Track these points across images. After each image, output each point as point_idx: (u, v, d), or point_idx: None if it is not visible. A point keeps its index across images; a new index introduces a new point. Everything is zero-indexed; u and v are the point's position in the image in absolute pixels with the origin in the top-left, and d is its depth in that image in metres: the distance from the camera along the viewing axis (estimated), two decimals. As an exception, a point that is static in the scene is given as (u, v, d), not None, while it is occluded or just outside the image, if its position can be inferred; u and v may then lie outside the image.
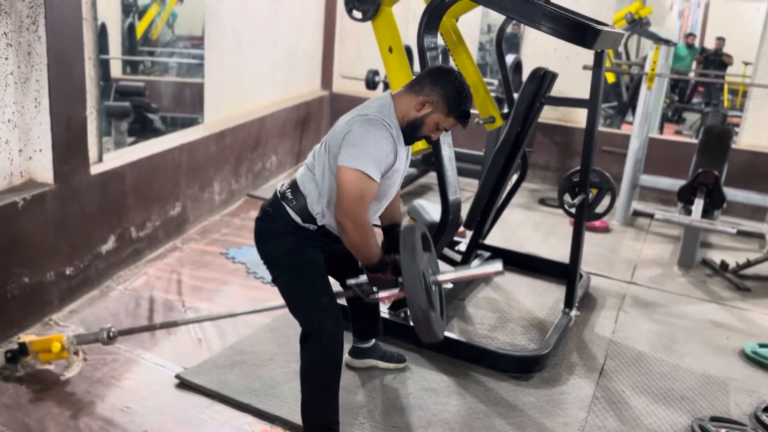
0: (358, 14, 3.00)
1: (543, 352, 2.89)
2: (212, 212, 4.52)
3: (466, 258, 3.62)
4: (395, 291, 2.14)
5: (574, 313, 3.34)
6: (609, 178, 3.58)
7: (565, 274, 3.44)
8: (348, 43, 6.69)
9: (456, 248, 3.88)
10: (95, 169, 3.20)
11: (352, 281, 2.19)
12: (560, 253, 4.09)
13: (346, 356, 2.77)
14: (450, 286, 3.33)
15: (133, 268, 3.57)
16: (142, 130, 5.25)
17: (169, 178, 3.92)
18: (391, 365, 2.79)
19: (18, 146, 2.80)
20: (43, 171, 2.87)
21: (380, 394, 2.63)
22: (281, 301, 2.26)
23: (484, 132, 5.24)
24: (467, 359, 2.89)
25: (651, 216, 5.23)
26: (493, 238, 4.05)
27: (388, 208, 2.36)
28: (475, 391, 2.69)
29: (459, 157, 5.85)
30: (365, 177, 1.98)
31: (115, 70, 7.04)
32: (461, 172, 5.77)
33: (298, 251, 2.17)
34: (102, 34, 6.66)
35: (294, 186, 2.19)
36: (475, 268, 2.19)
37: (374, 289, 2.16)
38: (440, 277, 2.16)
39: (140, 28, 7.67)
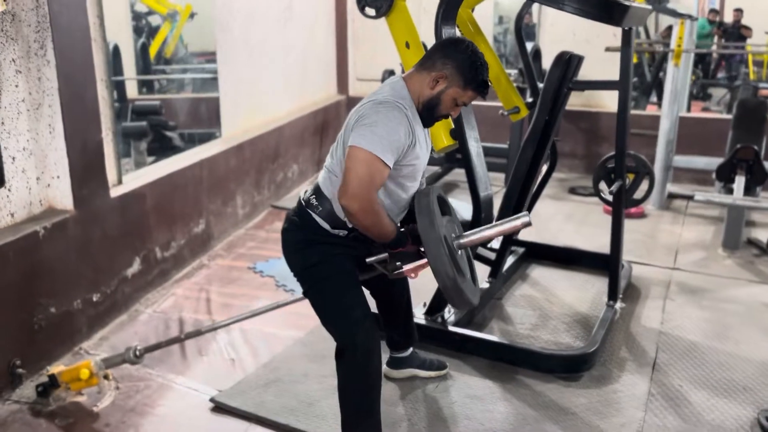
0: (371, 11, 2.89)
1: (591, 349, 2.75)
2: (236, 226, 4.45)
3: (501, 255, 3.48)
4: (420, 262, 2.00)
5: (618, 305, 3.19)
6: (646, 161, 3.42)
7: (604, 265, 3.30)
8: (361, 46, 6.59)
9: (488, 246, 3.74)
10: (115, 192, 3.14)
11: (371, 259, 2.01)
12: (595, 242, 3.94)
13: (384, 367, 2.66)
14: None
15: (161, 289, 3.50)
16: (162, 148, 5.21)
17: (190, 195, 3.86)
18: (432, 373, 2.67)
19: (35, 174, 2.74)
20: (63, 197, 2.81)
21: (423, 404, 2.51)
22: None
23: (508, 124, 5.12)
24: (511, 362, 2.76)
25: (688, 198, 5.04)
26: (527, 233, 3.88)
27: None
28: (522, 395, 2.56)
29: (483, 151, 5.75)
30: (376, 159, 1.84)
31: (131, 90, 7.04)
32: (492, 168, 5.68)
33: (329, 261, 2.05)
34: (115, 55, 6.66)
35: (317, 191, 2.07)
36: (501, 224, 2.01)
37: (397, 263, 2.01)
38: (464, 240, 2.02)
39: (153, 47, 7.67)
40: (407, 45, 2.86)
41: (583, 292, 3.50)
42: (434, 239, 1.84)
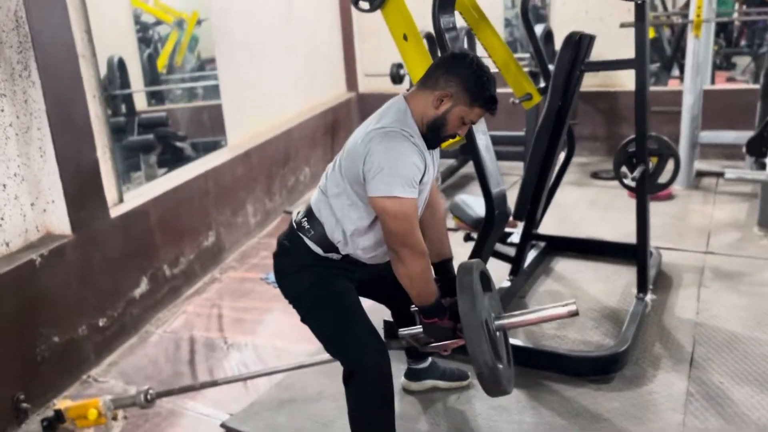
0: (365, 4, 2.73)
1: (622, 348, 2.57)
2: (249, 236, 4.34)
3: (520, 251, 3.31)
4: (457, 342, 1.90)
5: (649, 297, 3.01)
6: (669, 143, 3.21)
7: (632, 254, 3.11)
8: (368, 40, 6.43)
9: (508, 240, 3.57)
10: (115, 211, 3.04)
11: (404, 331, 1.95)
12: (622, 230, 3.73)
13: (402, 380, 2.53)
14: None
15: (171, 307, 3.40)
16: (173, 159, 5.12)
17: (197, 208, 3.75)
18: (453, 384, 2.52)
19: (29, 200, 2.64)
20: (59, 222, 2.72)
21: (445, 419, 2.36)
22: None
23: (522, 112, 4.92)
24: (537, 366, 2.59)
25: (718, 175, 4.79)
26: (548, 224, 3.71)
27: (434, 239, 2.10)
28: (550, 403, 2.40)
29: (498, 140, 5.52)
30: (403, 200, 1.73)
31: (140, 102, 6.98)
32: (502, 156, 5.47)
33: (323, 283, 1.93)
34: (121, 68, 6.60)
35: (309, 213, 1.94)
36: (546, 310, 1.92)
37: (431, 337, 1.92)
38: (504, 321, 1.90)
39: (162, 58, 7.60)
40: (405, 37, 2.70)
41: (610, 284, 3.31)
42: (476, 325, 1.73)
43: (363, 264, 1.98)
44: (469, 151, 2.68)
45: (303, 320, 1.99)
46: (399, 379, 2.51)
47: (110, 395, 2.38)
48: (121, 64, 6.52)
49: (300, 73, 5.39)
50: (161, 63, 7.74)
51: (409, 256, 1.77)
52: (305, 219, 1.95)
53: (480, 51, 3.59)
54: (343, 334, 1.90)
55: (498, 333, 1.89)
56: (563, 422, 2.29)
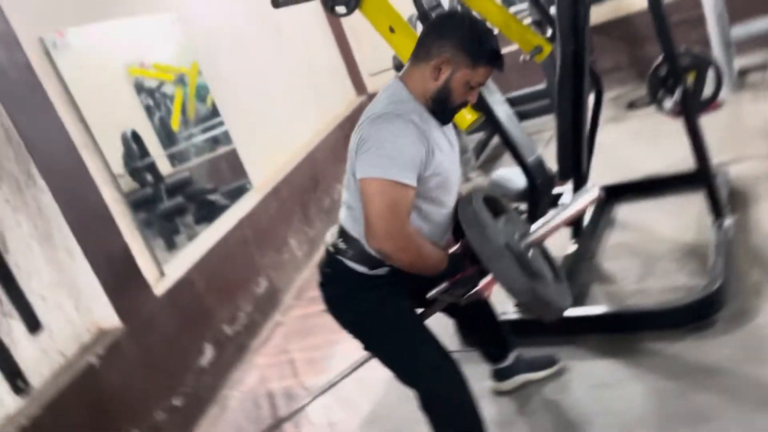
0: (341, 9, 2.58)
1: (715, 285, 2.34)
2: (299, 270, 4.24)
3: (577, 210, 3.09)
4: (488, 279, 1.70)
5: (728, 220, 2.75)
6: (701, 54, 2.95)
7: (696, 181, 2.85)
8: (363, 40, 6.26)
9: (560, 202, 3.36)
10: (160, 288, 2.98)
11: (432, 293, 1.74)
12: (676, 156, 3.45)
13: (489, 383, 2.36)
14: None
15: (242, 365, 3.33)
16: (208, 213, 5.10)
17: (241, 259, 3.68)
18: (545, 373, 2.34)
19: (72, 304, 2.60)
20: (107, 316, 2.66)
21: (545, 413, 2.19)
22: None
23: (538, 67, 4.67)
24: (627, 330, 2.39)
25: (764, 68, 4.43)
26: (597, 173, 3.45)
27: None
28: (653, 367, 2.19)
29: (520, 100, 5.30)
30: (392, 184, 1.55)
31: (164, 166, 7.01)
32: (529, 114, 5.25)
33: (378, 306, 1.77)
34: (136, 140, 6.63)
35: (342, 232, 1.79)
36: (570, 207, 1.67)
37: (462, 289, 1.73)
38: (531, 238, 1.69)
39: (174, 117, 7.63)
40: (391, 29, 2.53)
41: (682, 219, 3.05)
42: (493, 254, 1.55)
43: (416, 275, 1.80)
44: (493, 127, 2.50)
45: (366, 349, 1.85)
46: (486, 382, 2.35)
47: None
48: (135, 136, 6.53)
49: (306, 94, 5.28)
50: (175, 122, 7.76)
51: (397, 251, 1.58)
52: (340, 240, 1.80)
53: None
54: (412, 362, 1.75)
55: (530, 251, 1.69)
56: (673, 385, 2.08)
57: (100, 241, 2.68)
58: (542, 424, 2.14)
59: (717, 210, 2.79)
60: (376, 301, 1.77)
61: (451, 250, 1.73)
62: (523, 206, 3.14)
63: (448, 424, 1.75)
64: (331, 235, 1.85)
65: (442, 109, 1.71)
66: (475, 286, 1.69)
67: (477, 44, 1.63)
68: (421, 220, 1.71)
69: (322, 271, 1.86)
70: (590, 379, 2.25)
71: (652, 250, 2.89)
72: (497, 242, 1.56)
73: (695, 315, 2.31)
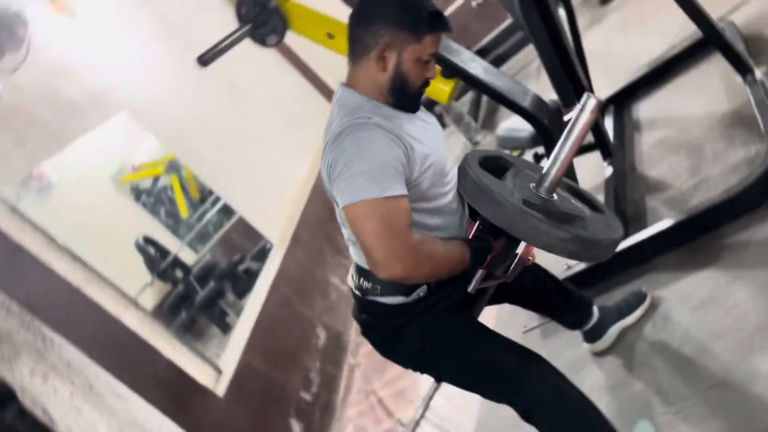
0: (272, 39, 2.39)
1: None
2: (351, 304, 4.06)
3: (596, 131, 2.83)
4: (522, 245, 1.52)
5: (758, 73, 2.46)
6: None
7: (707, 46, 2.58)
8: (319, 55, 6.07)
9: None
10: (221, 387, 2.83)
11: (472, 286, 1.53)
12: (674, 30, 3.16)
13: (585, 346, 2.13)
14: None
15: (335, 423, 3.17)
16: (249, 282, 4.98)
17: (290, 319, 3.53)
18: (638, 313, 2.09)
19: (140, 442, 2.47)
20: (179, 439, 2.52)
21: (656, 356, 1.94)
22: None
23: (495, 6, 4.42)
24: (704, 233, 2.13)
25: None
26: (600, 85, 3.18)
27: None
28: (749, 263, 1.93)
29: (493, 44, 5.04)
30: (376, 202, 1.35)
31: (188, 255, 6.94)
32: (509, 54, 4.98)
33: (434, 332, 1.56)
34: (151, 244, 6.55)
35: (361, 271, 1.59)
36: (572, 129, 1.40)
37: (501, 267, 1.54)
38: (547, 182, 1.44)
39: (180, 205, 7.56)
40: (330, 36, 2.33)
41: (708, 91, 2.76)
42: (513, 218, 1.35)
43: (454, 279, 1.59)
44: (474, 87, 2.28)
45: (439, 381, 1.65)
46: (577, 350, 2.13)
47: None
48: (148, 240, 6.48)
49: (285, 130, 5.11)
50: (182, 209, 7.69)
51: (409, 270, 1.37)
52: (362, 279, 1.60)
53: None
54: (492, 376, 1.53)
55: (554, 195, 1.47)
56: (782, 272, 1.82)
57: (140, 370, 2.55)
58: (659, 371, 1.90)
59: (741, 67, 2.51)
60: (427, 328, 1.56)
61: (470, 235, 1.53)
62: (541, 150, 2.92)
63: (558, 426, 1.52)
64: (352, 280, 1.65)
65: (404, 98, 1.50)
66: (512, 257, 1.51)
67: (412, 14, 1.42)
68: (432, 218, 1.52)
69: (358, 319, 1.66)
70: (688, 301, 2.00)
71: (692, 137, 2.61)
72: (512, 202, 1.35)
73: (769, 187, 2.04)
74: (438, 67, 2.22)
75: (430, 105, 4.51)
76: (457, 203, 1.60)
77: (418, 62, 1.46)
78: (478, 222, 1.54)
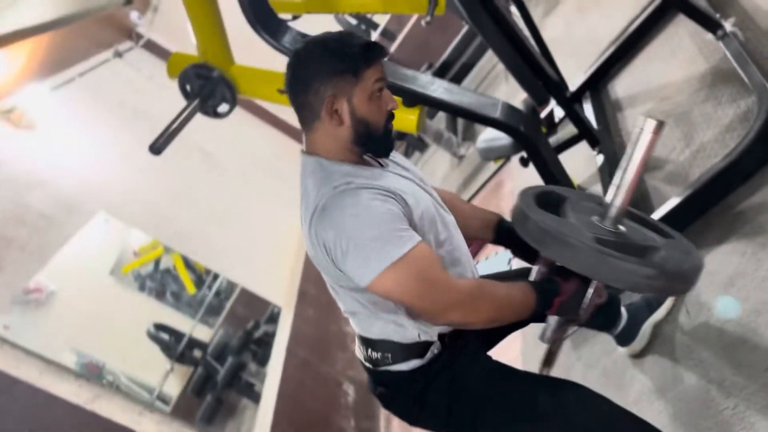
0: (223, 107, 2.30)
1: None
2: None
3: (576, 120, 2.72)
4: (594, 288, 1.38)
5: (728, 25, 2.35)
6: None
7: (667, 10, 2.48)
8: (287, 107, 6.04)
9: (556, 121, 2.99)
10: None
11: (547, 335, 1.44)
12: (633, 7, 3.08)
13: (620, 351, 1.99)
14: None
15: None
16: (264, 351, 4.85)
17: (313, 382, 3.39)
18: (668, 304, 1.94)
19: None
20: None
21: (697, 345, 1.79)
22: None
23: (450, 19, 4.36)
24: (714, 205, 2.00)
25: None
26: (570, 73, 3.08)
27: (466, 216, 1.61)
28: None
29: (454, 56, 4.96)
30: (401, 263, 1.24)
31: (203, 333, 6.81)
32: (471, 63, 4.91)
33: (457, 390, 1.43)
34: (164, 330, 6.43)
35: (367, 342, 1.46)
36: (633, 156, 1.31)
37: (574, 312, 1.40)
38: (614, 211, 1.35)
39: (188, 284, 7.46)
40: (282, 91, 2.23)
41: (681, 54, 2.65)
42: (592, 261, 1.23)
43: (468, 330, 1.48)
44: (439, 108, 2.18)
45: None
46: (613, 355, 1.98)
47: None
48: (159, 327, 6.36)
49: (269, 187, 5.02)
50: (189, 286, 7.58)
51: (465, 314, 1.29)
52: (370, 350, 1.47)
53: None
54: (529, 421, 1.38)
55: (620, 226, 1.37)
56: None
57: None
58: (706, 362, 1.75)
59: (708, 23, 2.40)
60: (450, 387, 1.43)
61: (531, 278, 1.42)
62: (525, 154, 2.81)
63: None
64: (360, 353, 1.53)
65: (373, 142, 1.38)
66: (584, 302, 1.38)
67: (343, 57, 1.31)
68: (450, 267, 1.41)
69: (376, 393, 1.53)
70: (717, 280, 1.85)
71: (677, 105, 2.49)
72: (586, 243, 1.24)
73: (772, 141, 1.91)
74: (399, 99, 2.13)
75: (402, 136, 4.44)
76: (464, 245, 1.48)
77: (372, 99, 1.35)
78: (540, 264, 1.43)
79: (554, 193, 1.50)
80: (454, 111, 2.06)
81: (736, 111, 2.17)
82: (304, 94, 1.34)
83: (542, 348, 2.32)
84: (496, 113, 2.03)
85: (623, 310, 1.93)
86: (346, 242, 1.26)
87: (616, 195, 1.35)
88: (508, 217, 1.53)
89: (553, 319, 1.43)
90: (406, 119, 2.12)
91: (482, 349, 1.52)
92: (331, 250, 1.28)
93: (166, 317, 6.53)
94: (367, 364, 1.49)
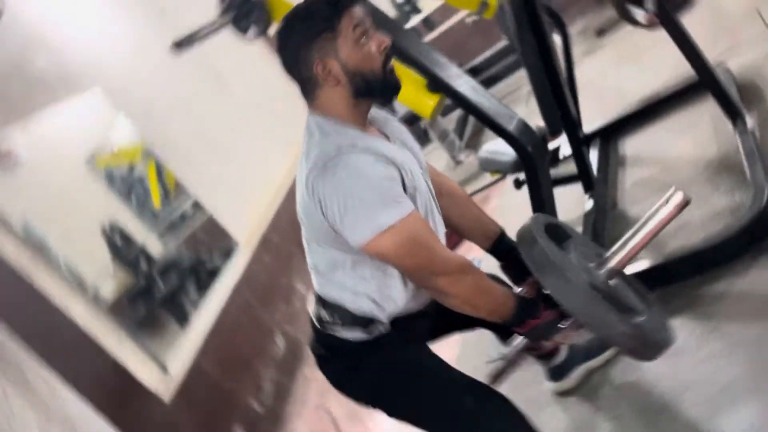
0: (254, 30, 2.28)
1: (765, 197, 2.00)
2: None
3: (580, 162, 2.77)
4: (573, 331, 1.41)
5: (749, 121, 2.41)
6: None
7: (700, 89, 2.53)
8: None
9: (561, 157, 3.03)
10: (166, 390, 2.69)
11: (502, 352, 1.50)
12: (668, 68, 3.12)
13: (547, 385, 2.05)
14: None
15: (284, 435, 3.04)
16: (208, 279, 4.82)
17: (249, 325, 3.40)
18: (605, 354, 2.00)
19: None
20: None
21: (621, 401, 1.86)
22: None
23: (491, 26, 4.36)
24: (680, 280, 2.06)
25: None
26: (589, 115, 3.13)
27: (470, 224, 1.67)
28: (725, 315, 1.86)
29: (486, 64, 5.00)
30: (396, 228, 1.27)
31: (155, 248, 6.75)
32: (500, 76, 4.94)
33: (391, 370, 1.47)
34: (117, 232, 6.36)
35: (322, 302, 1.49)
36: (650, 222, 1.39)
37: (540, 339, 1.45)
38: (613, 264, 1.40)
39: (154, 195, 7.37)
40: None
41: (697, 134, 2.71)
42: (582, 302, 1.28)
43: (420, 313, 1.52)
44: (458, 104, 2.19)
45: (402, 419, 1.54)
46: (541, 387, 2.04)
47: None
48: (114, 228, 6.29)
49: (268, 130, 4.99)
50: (156, 199, 7.51)
51: (449, 283, 1.33)
52: (322, 310, 1.50)
53: None
54: (447, 418, 1.43)
55: (612, 281, 1.41)
56: (754, 331, 1.75)
57: (81, 367, 2.41)
58: (623, 419, 1.82)
59: (732, 112, 2.46)
60: (385, 366, 1.47)
61: (517, 291, 1.45)
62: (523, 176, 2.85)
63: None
64: (313, 311, 1.55)
65: (376, 88, 1.38)
66: (556, 333, 1.41)
67: (315, 18, 1.32)
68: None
69: (315, 352, 1.57)
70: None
71: (677, 179, 2.55)
72: (581, 285, 1.28)
73: (752, 239, 1.97)
74: (422, 80, 2.15)
75: (415, 120, 4.45)
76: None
77: (358, 46, 1.34)
78: (528, 284, 1.47)
79: (562, 229, 1.54)
80: (473, 111, 2.08)
81: (729, 201, 2.23)
82: (296, 68, 1.36)
83: (478, 359, 2.37)
84: (511, 126, 2.05)
85: (563, 347, 1.99)
86: (345, 201, 1.27)
87: (619, 251, 1.39)
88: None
89: (516, 339, 1.46)
90: (424, 103, 2.13)
91: (426, 339, 1.56)
92: (327, 207, 1.30)
93: (127, 222, 6.46)
94: (316, 323, 1.52)
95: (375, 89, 1.38)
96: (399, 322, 1.47)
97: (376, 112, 1.50)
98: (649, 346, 1.34)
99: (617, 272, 1.43)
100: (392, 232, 1.27)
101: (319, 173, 1.30)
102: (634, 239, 1.40)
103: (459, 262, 1.35)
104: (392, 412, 1.53)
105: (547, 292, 1.36)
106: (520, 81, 4.65)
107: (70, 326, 2.46)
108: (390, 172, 1.31)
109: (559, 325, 1.41)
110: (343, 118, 1.38)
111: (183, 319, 5.13)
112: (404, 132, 1.55)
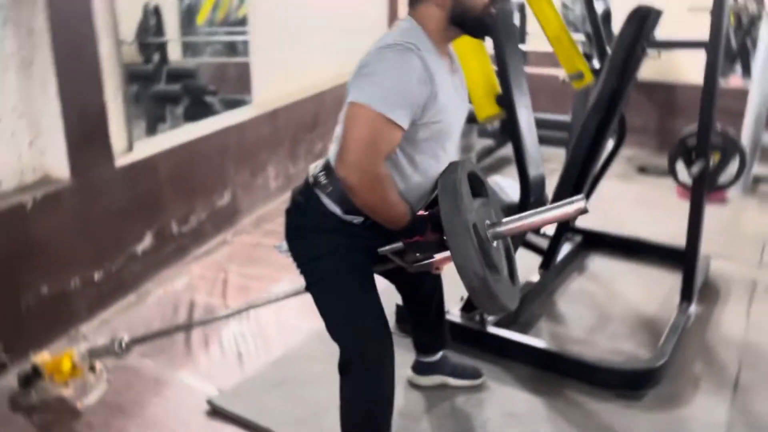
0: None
1: (658, 362, 2.29)
2: (267, 200, 4.12)
3: (555, 243, 3.03)
4: (444, 254, 1.59)
5: (693, 308, 2.70)
6: (736, 139, 2.87)
7: (678, 258, 2.80)
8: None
9: (541, 232, 3.29)
10: (123, 160, 2.85)
11: (384, 248, 1.64)
12: (666, 231, 3.38)
13: (408, 372, 2.29)
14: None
15: (176, 267, 3.22)
16: (200, 113, 4.91)
17: (214, 165, 3.55)
18: (465, 382, 2.27)
19: (27, 138, 2.46)
20: (59, 166, 2.53)
21: (450, 420, 2.12)
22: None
23: (570, 93, 4.58)
24: (560, 372, 2.34)
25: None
26: (587, 217, 3.37)
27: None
28: (571, 416, 2.14)
29: (541, 123, 5.18)
30: (379, 117, 1.43)
31: (175, 53, 6.79)
32: (544, 141, 5.09)
33: (337, 254, 1.66)
34: (156, 16, 6.38)
35: (328, 168, 1.65)
36: (550, 209, 1.56)
37: (417, 255, 1.62)
38: (501, 228, 1.59)
39: (202, 12, 7.38)
40: None
41: (651, 289, 3.01)
42: (458, 227, 1.44)
43: (386, 232, 1.69)
44: (509, 128, 2.39)
45: (307, 289, 1.74)
46: (405, 370, 2.28)
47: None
48: (157, 11, 6.31)
49: (339, 37, 5.09)
50: (202, 17, 7.52)
51: (361, 184, 1.46)
52: (323, 173, 1.65)
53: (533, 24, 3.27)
54: (348, 319, 1.65)
55: (495, 242, 1.60)
56: (583, 440, 2.03)
57: (81, 91, 2.55)
58: (442, 428, 2.08)
59: (687, 294, 2.73)
60: (334, 247, 1.66)
61: (419, 213, 1.64)
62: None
63: (357, 393, 1.67)
64: (314, 167, 1.73)
65: (470, 22, 1.56)
66: (430, 256, 1.59)
67: None
68: (412, 168, 1.60)
69: (294, 198, 1.73)
70: (505, 405, 2.18)
71: (610, 309, 2.84)
72: (466, 218, 1.47)
73: (629, 382, 2.26)
74: (497, 89, 2.36)
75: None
76: (431, 184, 1.69)
77: None
78: (429, 212, 1.65)
79: (484, 186, 1.69)
80: (515, 139, 2.30)
81: (633, 349, 2.52)
82: None
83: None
84: (533, 172, 2.28)
85: (440, 354, 2.24)
86: (370, 69, 1.45)
87: (511, 222, 1.60)
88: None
89: (397, 246, 1.62)
90: (486, 106, 2.34)
91: (371, 255, 1.70)
92: (360, 67, 1.48)
93: (168, 13, 6.53)
94: (311, 179, 1.68)
95: (468, 23, 1.56)
96: (371, 225, 1.62)
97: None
98: (492, 299, 1.49)
99: (502, 236, 1.61)
100: (368, 113, 1.42)
101: (379, 48, 1.48)
102: (528, 219, 1.58)
103: (377, 173, 1.47)
104: (311, 284, 1.71)
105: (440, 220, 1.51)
106: (553, 157, 4.88)
107: (93, 56, 2.58)
108: (419, 87, 1.47)
109: (434, 254, 1.59)
110: (430, 35, 1.55)
111: (160, 121, 5.23)
112: (461, 74, 1.72)
